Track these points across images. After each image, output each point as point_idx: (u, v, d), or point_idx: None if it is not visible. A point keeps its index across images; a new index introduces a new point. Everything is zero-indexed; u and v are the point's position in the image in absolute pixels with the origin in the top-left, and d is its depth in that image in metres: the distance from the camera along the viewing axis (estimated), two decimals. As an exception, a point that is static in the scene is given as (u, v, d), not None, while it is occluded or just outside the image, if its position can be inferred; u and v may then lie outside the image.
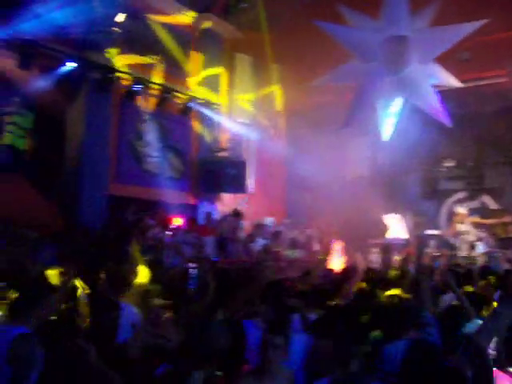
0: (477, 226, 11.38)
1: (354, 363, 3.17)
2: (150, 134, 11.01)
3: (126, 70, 10.27)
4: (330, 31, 10.10)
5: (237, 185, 11.94)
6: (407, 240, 11.95)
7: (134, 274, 4.89)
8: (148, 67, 10.86)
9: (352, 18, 10.13)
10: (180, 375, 2.93)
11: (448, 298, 5.42)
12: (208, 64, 12.17)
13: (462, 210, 11.66)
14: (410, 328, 3.95)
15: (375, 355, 3.73)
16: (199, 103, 11.64)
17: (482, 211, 12.63)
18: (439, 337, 4.08)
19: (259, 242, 10.32)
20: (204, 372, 2.96)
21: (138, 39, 10.50)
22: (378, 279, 6.24)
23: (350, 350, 3.22)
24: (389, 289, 5.17)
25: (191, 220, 11.05)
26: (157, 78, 10.93)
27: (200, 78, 12.02)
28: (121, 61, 10.24)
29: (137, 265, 5.05)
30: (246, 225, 11.36)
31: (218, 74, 12.44)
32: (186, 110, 11.50)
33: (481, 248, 10.47)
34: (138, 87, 10.42)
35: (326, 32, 10.02)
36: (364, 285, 5.83)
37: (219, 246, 9.87)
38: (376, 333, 4.15)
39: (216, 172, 11.76)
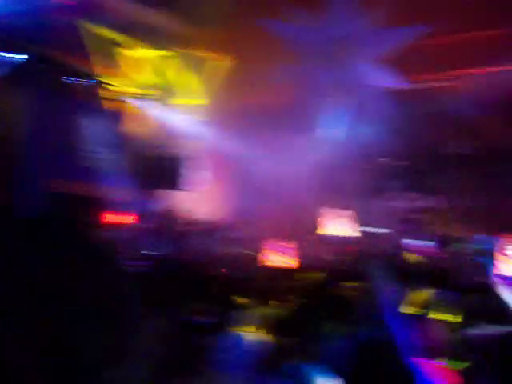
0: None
1: (308, 355, 3.22)
2: (89, 129, 10.72)
3: (65, 62, 9.98)
4: (273, 29, 10.17)
5: (178, 181, 11.81)
6: (348, 236, 12.21)
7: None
8: (86, 59, 10.56)
9: (296, 16, 10.25)
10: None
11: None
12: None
13: None
14: (365, 321, 4.04)
15: (329, 349, 3.79)
16: (140, 97, 11.43)
17: (424, 208, 13.20)
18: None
19: (197, 239, 10.29)
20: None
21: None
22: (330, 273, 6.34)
23: (305, 344, 3.26)
24: (339, 283, 5.27)
25: (131, 216, 10.84)
26: (96, 70, 10.66)
27: (142, 71, 11.80)
28: (59, 53, 9.93)
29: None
30: (186, 221, 11.27)
31: (160, 67, 12.22)
32: (125, 104, 11.27)
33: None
34: (76, 80, 10.13)
35: (269, 30, 10.08)
36: (317, 276, 5.90)
37: (158, 241, 9.76)
38: (330, 326, 4.21)
39: (156, 167, 11.59)
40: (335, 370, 3.54)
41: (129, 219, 10.62)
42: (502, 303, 4.13)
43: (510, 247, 10.84)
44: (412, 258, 9.00)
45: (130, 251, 8.37)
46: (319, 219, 12.83)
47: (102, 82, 10.68)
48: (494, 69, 10.60)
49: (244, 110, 12.84)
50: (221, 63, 13.14)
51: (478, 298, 4.52)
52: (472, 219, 12.28)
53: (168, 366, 3.40)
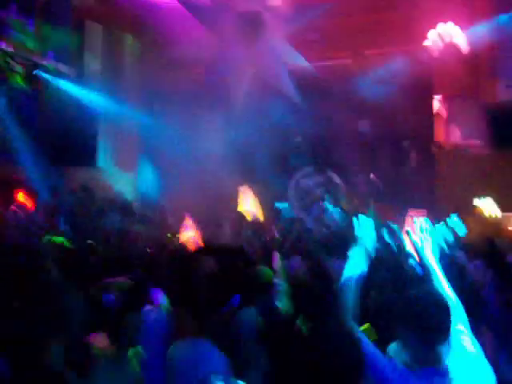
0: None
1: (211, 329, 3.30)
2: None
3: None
4: (182, 4, 10.00)
5: (86, 158, 11.48)
6: (258, 213, 12.46)
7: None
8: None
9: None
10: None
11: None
12: (56, 31, 11.47)
13: None
14: (262, 294, 4.20)
15: (231, 321, 3.92)
16: (46, 71, 10.99)
17: (328, 186, 13.65)
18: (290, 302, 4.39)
19: (111, 218, 10.13)
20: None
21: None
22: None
23: (209, 317, 3.35)
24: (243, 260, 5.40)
25: (35, 196, 10.49)
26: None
27: (48, 45, 11.31)
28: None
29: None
30: (98, 200, 11.05)
31: (66, 42, 11.77)
32: (32, 79, 10.81)
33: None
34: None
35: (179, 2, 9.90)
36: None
37: (67, 223, 9.52)
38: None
39: (64, 144, 11.21)
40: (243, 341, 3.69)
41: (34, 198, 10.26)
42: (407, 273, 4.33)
43: (415, 220, 11.54)
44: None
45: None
46: (234, 197, 13.01)
47: (12, 57, 10.18)
48: (397, 50, 11.04)
49: (155, 85, 12.64)
50: (131, 38, 12.85)
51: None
52: (378, 195, 12.91)
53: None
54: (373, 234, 2.81)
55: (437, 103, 12.66)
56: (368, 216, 2.84)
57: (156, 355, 3.59)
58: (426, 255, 2.76)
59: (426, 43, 10.90)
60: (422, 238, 2.83)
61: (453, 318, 2.36)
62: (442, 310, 2.25)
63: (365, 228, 2.79)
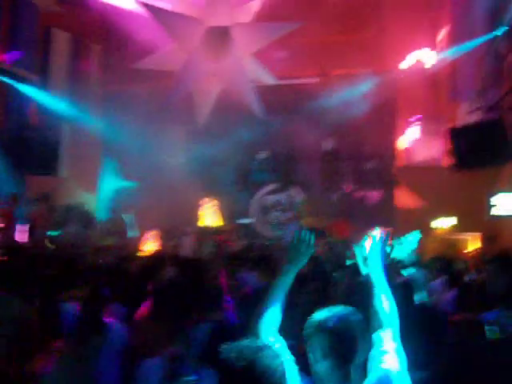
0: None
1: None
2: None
3: None
4: (151, 13, 9.87)
5: (47, 166, 11.20)
6: (221, 227, 12.44)
7: None
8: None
9: (175, 1, 10.08)
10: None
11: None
12: (21, 36, 11.28)
13: None
14: (213, 310, 4.14)
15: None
16: (9, 77, 10.77)
17: (289, 202, 13.76)
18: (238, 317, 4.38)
19: (71, 228, 9.98)
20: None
21: None
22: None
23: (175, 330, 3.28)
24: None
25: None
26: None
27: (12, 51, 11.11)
28: None
29: None
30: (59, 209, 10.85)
31: (31, 48, 11.59)
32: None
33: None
34: None
35: (147, 13, 9.78)
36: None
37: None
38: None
39: (24, 151, 10.93)
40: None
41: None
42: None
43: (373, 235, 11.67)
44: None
45: None
46: (197, 211, 12.97)
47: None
48: (363, 72, 11.24)
49: (120, 95, 12.48)
50: (96, 46, 12.73)
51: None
52: (334, 211, 13.06)
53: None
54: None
55: (400, 124, 12.93)
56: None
57: (115, 370, 3.53)
58: (373, 267, 2.72)
59: (394, 65, 11.14)
60: (372, 249, 2.79)
61: (377, 340, 2.37)
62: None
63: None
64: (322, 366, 2.23)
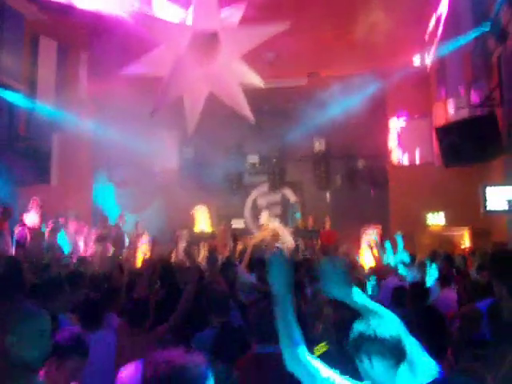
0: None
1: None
2: None
3: None
4: (137, 19, 9.81)
5: (40, 176, 11.11)
6: (213, 231, 12.42)
7: None
8: None
9: (161, 7, 10.02)
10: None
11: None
12: (7, 45, 11.16)
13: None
14: (217, 314, 4.14)
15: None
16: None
17: (282, 203, 13.82)
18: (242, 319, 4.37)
19: (62, 236, 9.95)
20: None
21: None
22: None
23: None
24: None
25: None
26: None
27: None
28: None
29: None
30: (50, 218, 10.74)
31: (18, 57, 11.47)
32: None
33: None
34: None
35: (134, 19, 9.72)
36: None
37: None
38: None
39: (15, 163, 10.81)
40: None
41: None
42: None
43: (366, 236, 11.70)
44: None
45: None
46: (190, 215, 12.93)
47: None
48: (353, 72, 11.26)
49: (109, 101, 12.38)
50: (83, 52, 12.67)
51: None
52: (329, 212, 13.11)
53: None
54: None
55: (391, 123, 12.97)
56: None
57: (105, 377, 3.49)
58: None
59: (384, 65, 11.17)
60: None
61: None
62: None
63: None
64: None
